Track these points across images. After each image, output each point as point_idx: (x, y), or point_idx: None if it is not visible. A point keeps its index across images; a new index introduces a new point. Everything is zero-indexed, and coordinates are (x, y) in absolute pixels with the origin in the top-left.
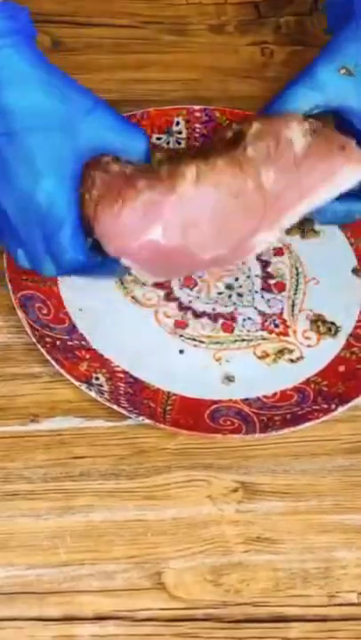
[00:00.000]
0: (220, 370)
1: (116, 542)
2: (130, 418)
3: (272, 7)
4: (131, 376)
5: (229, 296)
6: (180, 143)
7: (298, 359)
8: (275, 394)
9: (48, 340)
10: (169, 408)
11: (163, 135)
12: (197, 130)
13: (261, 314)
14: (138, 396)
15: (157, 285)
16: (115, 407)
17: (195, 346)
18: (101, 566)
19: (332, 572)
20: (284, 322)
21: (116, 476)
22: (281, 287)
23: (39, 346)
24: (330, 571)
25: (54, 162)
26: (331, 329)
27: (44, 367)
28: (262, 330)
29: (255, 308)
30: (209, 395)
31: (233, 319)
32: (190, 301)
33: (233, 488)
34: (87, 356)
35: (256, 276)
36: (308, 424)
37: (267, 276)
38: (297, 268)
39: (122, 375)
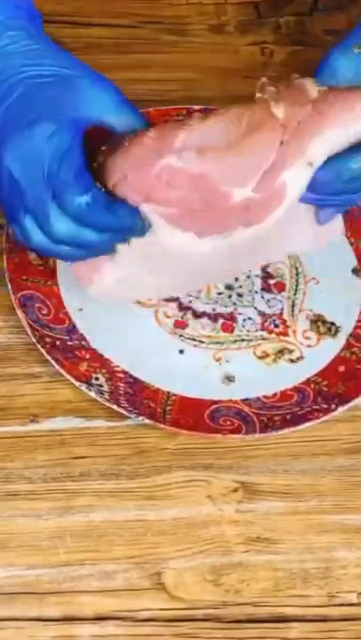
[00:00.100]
0: (220, 370)
1: (116, 542)
2: (130, 418)
3: (272, 7)
4: (131, 376)
5: (229, 296)
6: None
7: (298, 359)
8: (275, 394)
9: (48, 339)
10: (169, 408)
11: None
12: None
13: (261, 314)
14: (138, 396)
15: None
16: (115, 407)
17: (195, 346)
18: (101, 566)
19: (332, 572)
20: (284, 322)
21: (116, 476)
22: (281, 287)
23: (39, 346)
24: (330, 571)
25: (57, 110)
26: (331, 329)
27: (44, 367)
28: (262, 330)
29: (255, 308)
30: (209, 395)
31: (233, 319)
32: (190, 301)
33: (233, 488)
34: (87, 356)
35: (256, 276)
36: (308, 424)
37: (267, 276)
38: (297, 268)
39: (122, 375)
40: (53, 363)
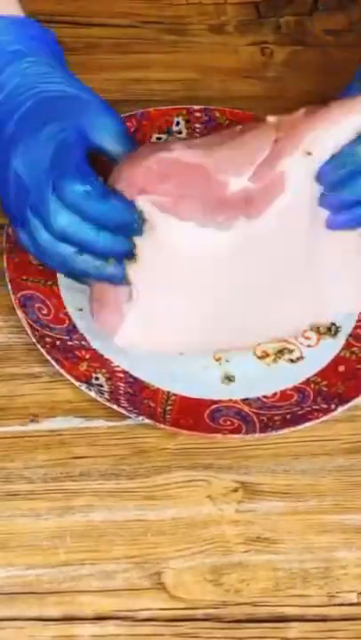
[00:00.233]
0: (220, 370)
1: (116, 542)
2: (130, 418)
3: (272, 7)
4: (130, 376)
5: None
6: None
7: (298, 359)
8: (275, 394)
9: (48, 339)
10: (169, 408)
11: (163, 135)
12: (197, 130)
13: None
14: (138, 396)
15: None
16: (115, 407)
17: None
18: (101, 566)
19: (332, 571)
20: None
21: (116, 476)
22: None
23: (39, 346)
24: (330, 571)
25: (65, 116)
26: (331, 329)
27: (44, 367)
28: None
29: None
30: (209, 395)
31: None
32: None
33: (233, 488)
34: (87, 356)
35: None
36: (308, 424)
37: None
38: None
39: (122, 375)
40: (53, 363)
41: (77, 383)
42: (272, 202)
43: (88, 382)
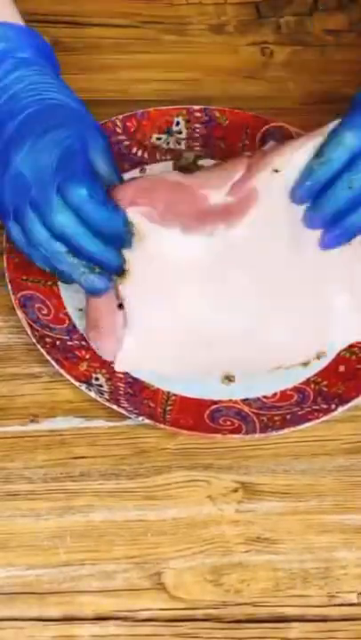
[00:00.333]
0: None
1: (116, 542)
2: (130, 418)
3: (272, 7)
4: (130, 376)
5: None
6: (180, 143)
7: None
8: (275, 394)
9: (48, 340)
10: (169, 408)
11: (163, 135)
12: (197, 130)
13: None
14: (138, 396)
15: None
16: (114, 407)
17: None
18: (101, 566)
19: (332, 572)
20: None
21: (116, 476)
22: None
23: (39, 346)
24: (330, 571)
25: (70, 122)
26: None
27: (44, 367)
28: None
29: None
30: (209, 395)
31: None
32: None
33: (233, 488)
34: (87, 356)
35: None
36: (308, 424)
37: None
38: None
39: (122, 375)
40: (53, 363)
41: (77, 383)
42: (247, 211)
43: (88, 382)
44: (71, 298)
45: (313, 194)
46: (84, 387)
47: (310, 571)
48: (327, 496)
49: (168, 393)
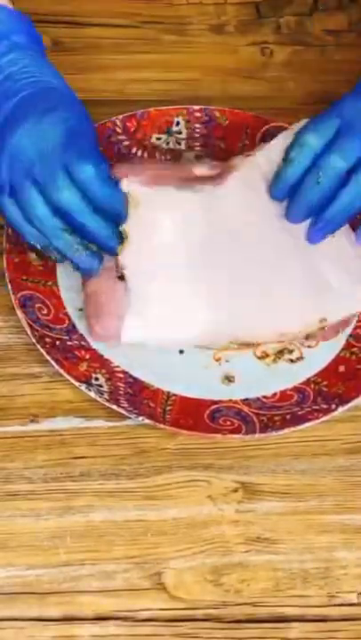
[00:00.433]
0: (220, 370)
1: (116, 542)
2: (130, 418)
3: (272, 7)
4: (130, 376)
5: None
6: (180, 143)
7: (298, 359)
8: (275, 394)
9: (48, 340)
10: (169, 408)
11: (163, 135)
12: (197, 130)
13: None
14: (138, 396)
15: None
16: (114, 407)
17: (195, 346)
18: (101, 566)
19: (332, 572)
20: None
21: (116, 476)
22: None
23: (39, 346)
24: (330, 571)
25: (69, 103)
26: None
27: (44, 367)
28: None
29: None
30: (209, 395)
31: None
32: None
33: (233, 488)
34: (87, 356)
35: None
36: (308, 424)
37: None
38: None
39: (121, 375)
40: (53, 363)
41: (77, 383)
42: (229, 177)
43: (88, 382)
44: (71, 298)
45: (286, 192)
46: (83, 387)
47: (310, 571)
48: (327, 496)
49: (168, 393)
